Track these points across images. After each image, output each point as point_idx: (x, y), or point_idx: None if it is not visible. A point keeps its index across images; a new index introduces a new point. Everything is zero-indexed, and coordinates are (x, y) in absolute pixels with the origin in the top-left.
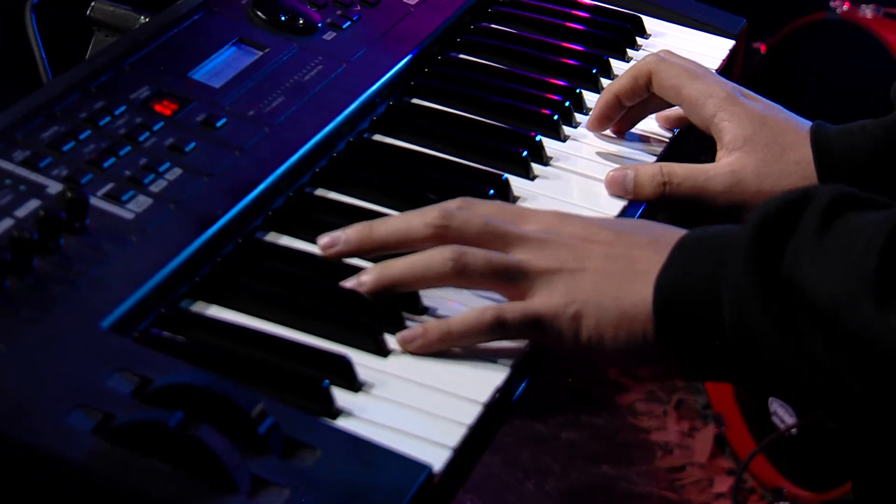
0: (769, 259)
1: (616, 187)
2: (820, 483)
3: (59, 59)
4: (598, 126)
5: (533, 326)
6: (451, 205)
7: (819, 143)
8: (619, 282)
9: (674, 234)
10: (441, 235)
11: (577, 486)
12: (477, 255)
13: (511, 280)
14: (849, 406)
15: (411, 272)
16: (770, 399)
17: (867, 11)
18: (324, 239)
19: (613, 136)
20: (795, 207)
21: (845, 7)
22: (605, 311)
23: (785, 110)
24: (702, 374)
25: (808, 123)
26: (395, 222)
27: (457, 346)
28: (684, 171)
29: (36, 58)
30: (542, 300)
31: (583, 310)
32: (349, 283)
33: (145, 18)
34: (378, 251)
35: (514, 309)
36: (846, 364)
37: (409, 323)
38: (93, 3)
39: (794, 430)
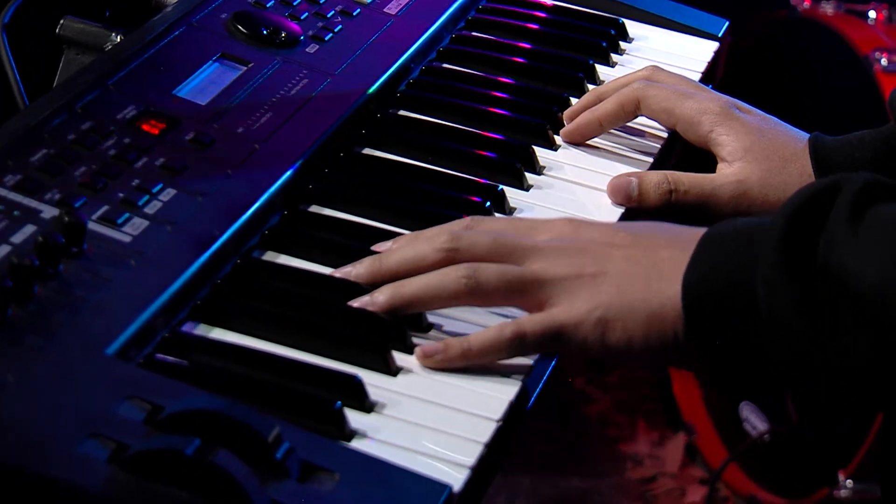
0: (802, 250)
1: (619, 195)
2: (794, 489)
3: (29, 79)
4: (571, 139)
5: (555, 338)
6: (459, 225)
7: (819, 156)
8: (643, 283)
9: (694, 232)
10: (451, 259)
11: (548, 500)
12: (490, 271)
13: (528, 292)
14: (887, 396)
15: (426, 292)
16: (741, 405)
17: (828, 8)
18: (335, 276)
19: (606, 138)
20: (826, 197)
21: (806, 4)
22: (632, 314)
23: (781, 122)
24: (733, 369)
25: (804, 135)
26: (403, 252)
27: (475, 364)
28: (690, 180)
29: (9, 78)
30: (563, 309)
31: (608, 314)
32: (359, 302)
33: (116, 35)
34: (390, 280)
35: (533, 322)
36: (893, 349)
37: (415, 340)
38: (62, 21)
39: (766, 437)
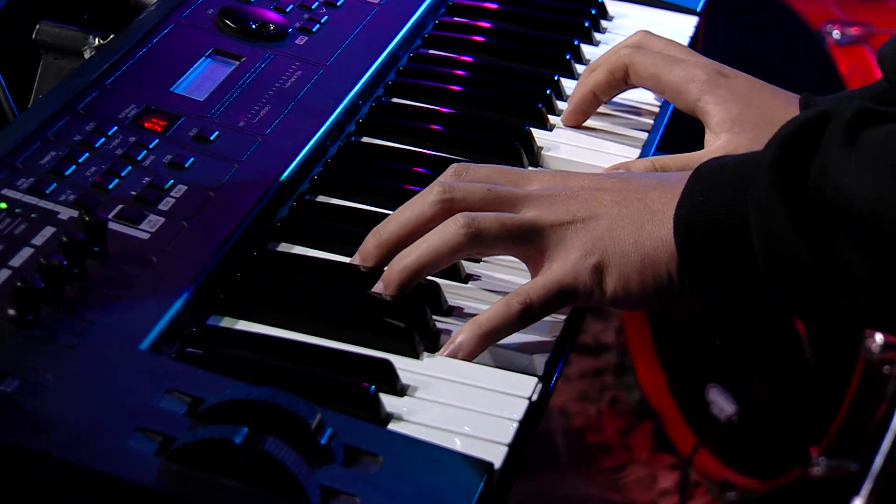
0: (794, 176)
1: None
2: (767, 470)
3: (10, 85)
4: (573, 121)
5: (559, 296)
6: (448, 176)
7: None
8: (635, 224)
9: (683, 173)
10: (447, 209)
11: (517, 495)
12: (489, 218)
13: (526, 239)
14: (884, 313)
15: (428, 252)
16: (707, 388)
17: None
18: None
19: (600, 117)
20: (817, 126)
21: None
22: (626, 258)
23: (770, 86)
24: (731, 304)
25: (794, 97)
26: (399, 215)
27: (494, 342)
28: (677, 163)
29: None
30: (559, 263)
31: (602, 259)
32: (376, 289)
33: (94, 38)
34: (397, 249)
35: (536, 288)
36: (889, 266)
37: (437, 325)
38: (38, 26)
39: (734, 419)
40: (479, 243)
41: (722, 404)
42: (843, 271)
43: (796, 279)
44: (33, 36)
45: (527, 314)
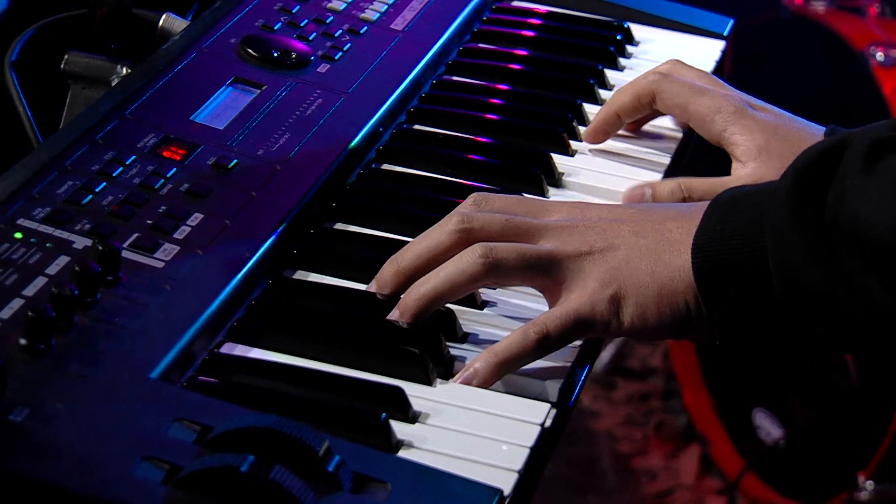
0: (810, 205)
1: None
2: (812, 495)
3: (38, 115)
4: (593, 139)
5: (577, 327)
6: (467, 205)
7: None
8: (652, 255)
9: (701, 203)
10: (466, 239)
11: None
12: (507, 249)
13: (543, 270)
14: None
15: (446, 281)
16: (754, 412)
17: (819, 6)
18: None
19: (622, 140)
20: (834, 154)
21: (797, 2)
22: (643, 288)
23: (797, 118)
24: (749, 334)
25: (820, 129)
26: (417, 244)
27: (510, 371)
28: (704, 186)
29: (20, 115)
30: (577, 293)
31: (620, 290)
32: (392, 317)
33: (122, 67)
34: (415, 277)
35: (553, 318)
36: None
37: (451, 351)
38: (67, 56)
39: (781, 443)
40: (497, 273)
41: (768, 428)
42: (863, 299)
43: (814, 307)
44: (62, 66)
45: (543, 344)
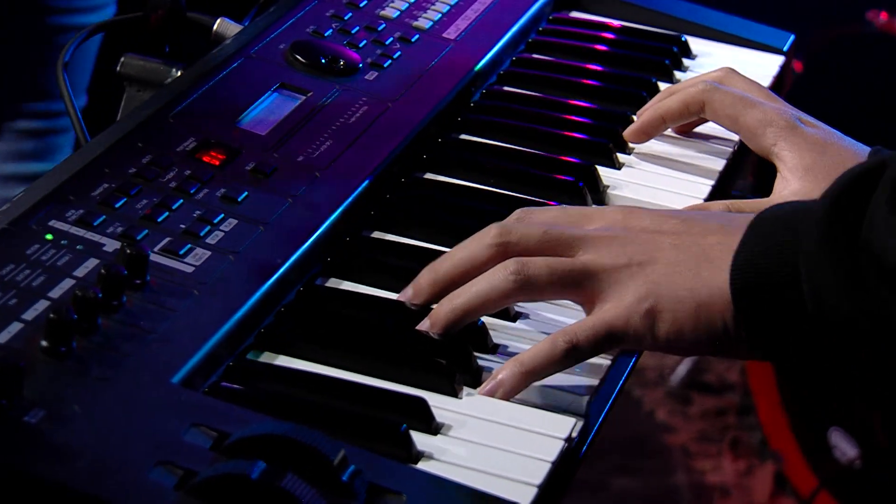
0: (845, 229)
1: None
2: None
3: (92, 116)
4: (635, 138)
5: (608, 339)
6: (510, 219)
7: None
8: (691, 271)
9: (745, 217)
10: (504, 252)
11: None
12: (538, 264)
13: (579, 284)
14: None
15: (477, 296)
16: (830, 430)
17: None
18: (399, 299)
19: (673, 143)
20: (871, 176)
21: (882, 18)
22: (681, 304)
23: (845, 137)
24: (786, 356)
25: (866, 149)
26: (456, 253)
27: (537, 380)
28: (752, 207)
29: (71, 116)
30: (612, 305)
31: (657, 305)
32: (422, 327)
33: (176, 70)
34: (451, 287)
35: (584, 328)
36: None
37: (480, 362)
38: (122, 59)
39: (857, 463)
40: (530, 289)
41: (845, 448)
42: (888, 329)
43: (847, 334)
44: (117, 68)
45: (572, 354)
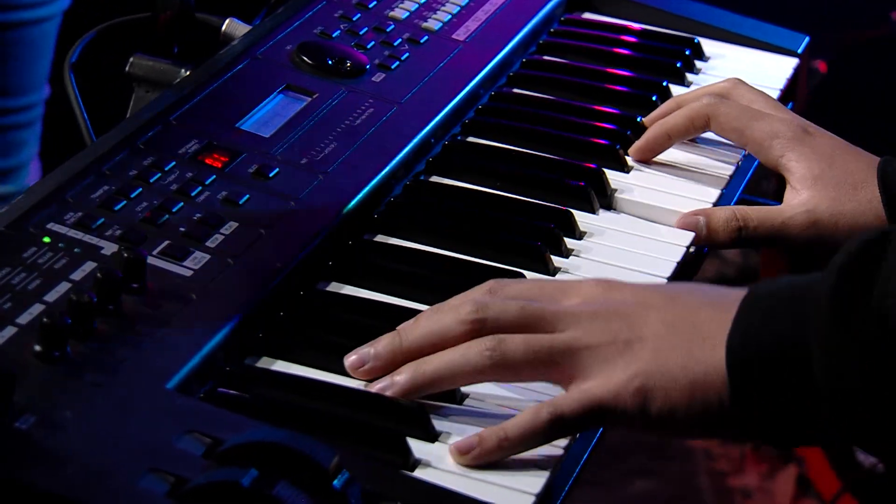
0: (856, 306)
1: None
2: None
3: (100, 117)
4: (640, 157)
5: (595, 416)
6: (481, 292)
7: (886, 180)
8: (684, 348)
9: (735, 292)
10: (477, 330)
11: None
12: (516, 342)
13: (558, 364)
14: None
15: (448, 369)
16: None
17: None
18: (350, 359)
19: (681, 149)
20: (876, 249)
21: None
22: (674, 383)
23: (854, 147)
24: (787, 438)
25: (876, 159)
26: (426, 324)
27: (515, 453)
28: (759, 215)
29: (77, 117)
30: (600, 382)
31: (647, 383)
32: (378, 386)
33: (186, 71)
34: (412, 360)
35: (570, 401)
36: None
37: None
38: (131, 59)
39: (880, 466)
40: (504, 368)
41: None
42: None
43: (863, 416)
44: (126, 69)
45: (555, 426)
